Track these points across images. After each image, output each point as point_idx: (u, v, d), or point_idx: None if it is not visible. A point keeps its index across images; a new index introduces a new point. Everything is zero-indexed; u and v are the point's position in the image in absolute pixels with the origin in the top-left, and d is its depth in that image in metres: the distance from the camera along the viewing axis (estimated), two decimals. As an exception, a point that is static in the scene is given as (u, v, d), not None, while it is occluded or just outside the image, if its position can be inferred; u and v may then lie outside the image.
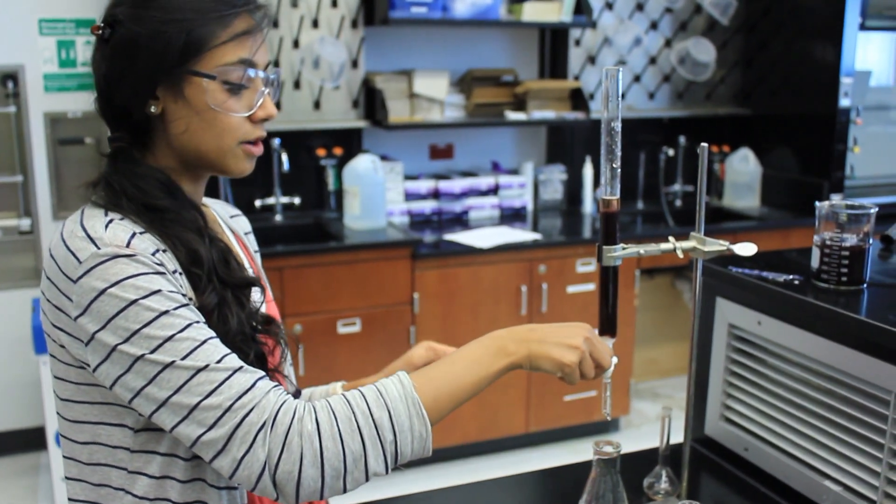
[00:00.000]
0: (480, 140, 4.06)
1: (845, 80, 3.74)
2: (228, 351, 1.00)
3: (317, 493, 0.96)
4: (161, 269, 1.00)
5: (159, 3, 1.04)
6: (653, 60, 4.17)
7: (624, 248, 1.15)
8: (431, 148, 3.97)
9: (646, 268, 3.92)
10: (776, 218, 3.92)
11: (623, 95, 1.11)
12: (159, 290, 0.97)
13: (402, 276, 3.29)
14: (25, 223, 3.47)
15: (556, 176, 4.05)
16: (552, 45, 4.06)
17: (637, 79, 4.17)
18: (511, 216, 3.92)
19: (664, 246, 1.18)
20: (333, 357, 3.25)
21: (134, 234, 1.01)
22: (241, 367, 0.98)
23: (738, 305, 1.48)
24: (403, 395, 1.00)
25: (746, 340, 1.48)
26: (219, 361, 0.97)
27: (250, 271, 1.21)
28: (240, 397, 0.95)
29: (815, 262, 1.40)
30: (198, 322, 0.99)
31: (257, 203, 3.64)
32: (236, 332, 1.06)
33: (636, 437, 3.79)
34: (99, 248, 0.98)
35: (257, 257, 1.35)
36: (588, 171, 4.00)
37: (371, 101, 3.63)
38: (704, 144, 1.20)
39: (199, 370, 0.95)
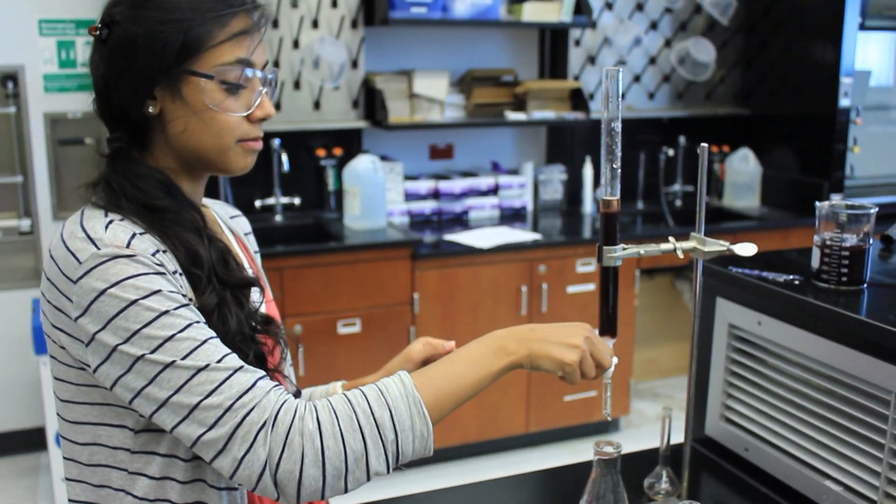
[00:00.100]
0: (480, 140, 4.06)
1: (845, 80, 3.74)
2: (229, 351, 0.99)
3: (318, 492, 0.96)
4: (161, 269, 1.00)
5: (157, 4, 1.04)
6: (653, 60, 4.17)
7: (624, 249, 1.15)
8: (431, 148, 3.97)
9: (646, 268, 3.92)
10: (776, 218, 3.92)
11: (623, 95, 1.11)
12: (159, 291, 0.97)
13: (402, 277, 3.29)
14: (25, 223, 3.47)
15: (556, 176, 4.05)
16: (552, 45, 4.06)
17: (637, 79, 4.17)
18: (511, 216, 3.92)
19: (664, 246, 1.18)
20: (333, 357, 3.25)
21: (134, 235, 1.01)
22: (241, 367, 0.98)
23: (739, 305, 1.48)
24: (405, 393, 1.00)
25: (746, 340, 1.48)
26: (219, 361, 0.97)
27: (250, 272, 1.21)
28: (240, 397, 0.95)
29: (815, 262, 1.40)
30: (198, 322, 0.99)
31: (257, 203, 3.64)
32: (236, 333, 1.06)
33: (636, 437, 3.79)
34: (99, 249, 0.98)
35: (257, 258, 1.35)
36: (588, 171, 4.00)
37: (371, 102, 3.63)
38: (704, 144, 1.20)
39: (200, 370, 0.95)
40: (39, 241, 3.50)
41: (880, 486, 1.23)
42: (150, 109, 1.07)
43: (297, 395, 1.29)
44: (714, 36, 4.17)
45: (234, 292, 1.10)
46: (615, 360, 1.12)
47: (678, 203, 4.24)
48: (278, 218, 3.64)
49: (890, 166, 4.16)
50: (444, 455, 3.52)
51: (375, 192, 3.48)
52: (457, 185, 3.82)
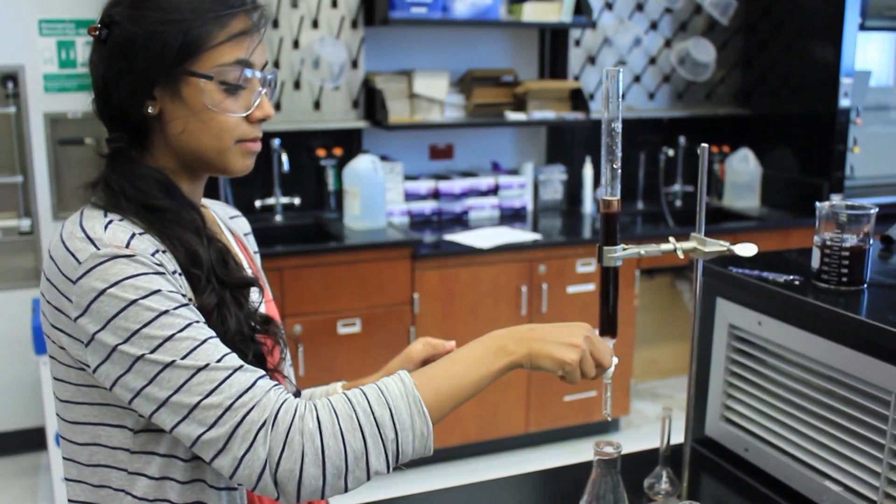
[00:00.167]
0: (480, 140, 4.06)
1: (845, 81, 3.74)
2: (228, 350, 0.99)
3: (318, 491, 0.96)
4: (161, 269, 1.00)
5: (156, 4, 1.04)
6: (653, 61, 4.17)
7: (624, 249, 1.15)
8: (431, 148, 3.97)
9: (646, 268, 3.92)
10: (776, 218, 3.92)
11: (623, 96, 1.11)
12: (159, 290, 0.97)
13: (402, 277, 3.29)
14: (25, 223, 3.47)
15: (556, 176, 4.05)
16: (552, 45, 4.06)
17: (637, 79, 4.17)
18: (511, 216, 3.92)
19: (665, 246, 1.18)
20: (333, 357, 3.25)
21: (133, 235, 1.01)
22: (241, 366, 0.98)
23: (739, 306, 1.48)
24: (405, 393, 1.00)
25: (747, 341, 1.48)
26: (219, 360, 0.97)
27: (249, 272, 1.21)
28: (240, 396, 0.95)
29: (815, 262, 1.40)
30: (198, 322, 0.99)
31: (257, 203, 3.64)
32: (235, 333, 1.06)
33: (636, 437, 3.79)
34: (98, 249, 0.98)
35: (257, 258, 1.35)
36: (588, 171, 4.00)
37: (371, 102, 3.63)
38: (705, 145, 1.20)
39: (200, 369, 0.95)
40: (39, 241, 3.50)
41: (880, 486, 1.23)
42: (150, 110, 1.07)
43: (296, 395, 1.28)
44: (714, 36, 4.17)
45: (234, 292, 1.10)
46: (615, 360, 1.12)
47: (678, 203, 4.24)
48: (278, 218, 3.64)
49: (890, 166, 4.16)
50: (444, 455, 3.52)
51: (375, 192, 3.48)
52: (457, 185, 3.82)
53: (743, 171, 4.12)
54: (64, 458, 1.11)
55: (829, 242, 1.37)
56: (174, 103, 1.06)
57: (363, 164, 3.45)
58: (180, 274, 1.04)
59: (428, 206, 3.79)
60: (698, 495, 1.44)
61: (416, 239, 3.36)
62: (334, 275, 3.21)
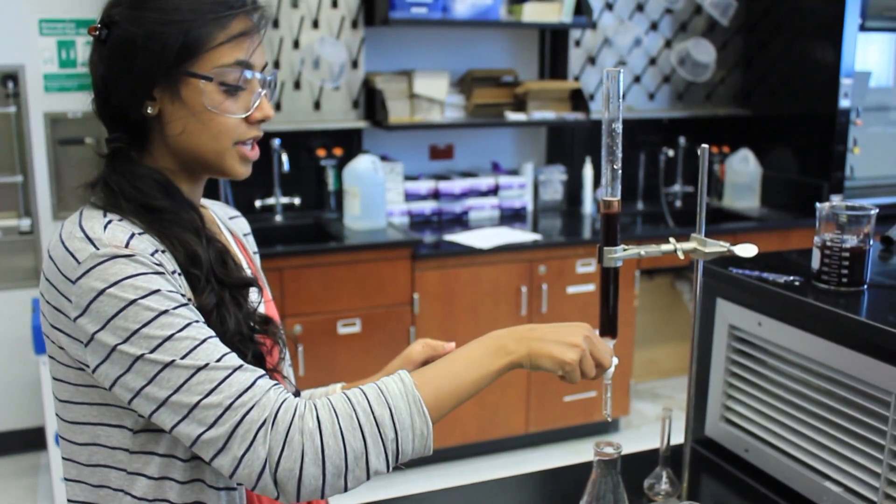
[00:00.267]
0: (480, 140, 4.06)
1: (845, 81, 3.74)
2: (228, 350, 0.99)
3: (318, 491, 0.96)
4: (160, 269, 1.00)
5: (156, 4, 1.04)
6: (653, 61, 4.17)
7: (625, 250, 1.15)
8: (431, 148, 3.97)
9: (646, 268, 3.92)
10: (776, 219, 3.92)
11: (623, 96, 1.10)
12: (158, 290, 0.97)
13: (402, 277, 3.29)
14: (25, 223, 3.47)
15: (556, 176, 4.05)
16: (552, 45, 4.06)
17: (637, 79, 4.17)
18: (511, 217, 3.92)
19: (665, 247, 1.18)
20: (333, 357, 3.25)
21: (133, 235, 1.01)
22: (241, 366, 0.98)
23: (739, 306, 1.48)
24: (404, 392, 1.00)
25: (747, 341, 1.48)
26: (219, 360, 0.97)
27: (248, 272, 1.21)
28: (240, 395, 0.95)
29: (815, 263, 1.40)
30: (197, 321, 0.99)
31: (257, 203, 3.64)
32: (234, 333, 1.06)
33: (636, 437, 3.79)
34: (98, 249, 0.98)
35: (256, 258, 1.35)
36: (588, 171, 4.00)
37: (371, 102, 3.63)
38: (705, 145, 1.20)
39: (199, 369, 0.95)
40: (39, 241, 3.50)
41: (880, 486, 1.23)
42: (149, 110, 1.07)
43: (295, 395, 1.29)
44: (714, 37, 4.17)
45: (233, 292, 1.10)
46: (615, 360, 1.12)
47: (678, 204, 4.24)
48: (278, 218, 3.64)
49: (890, 167, 4.16)
50: (444, 455, 3.52)
51: (375, 193, 3.48)
52: (457, 185, 3.82)
53: (743, 171, 4.12)
54: (63, 458, 1.11)
55: (829, 243, 1.37)
56: (174, 104, 1.06)
57: (363, 165, 3.45)
58: (179, 274, 1.04)
59: (428, 207, 3.79)
60: (698, 496, 1.44)
61: (416, 239, 3.36)
62: (334, 275, 3.21)
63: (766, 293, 1.40)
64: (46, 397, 3.02)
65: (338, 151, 3.67)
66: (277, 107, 3.51)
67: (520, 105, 3.82)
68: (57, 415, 1.10)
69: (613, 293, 1.17)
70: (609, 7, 3.99)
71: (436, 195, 3.81)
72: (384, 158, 3.73)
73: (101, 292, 0.96)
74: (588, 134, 4.04)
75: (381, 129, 3.64)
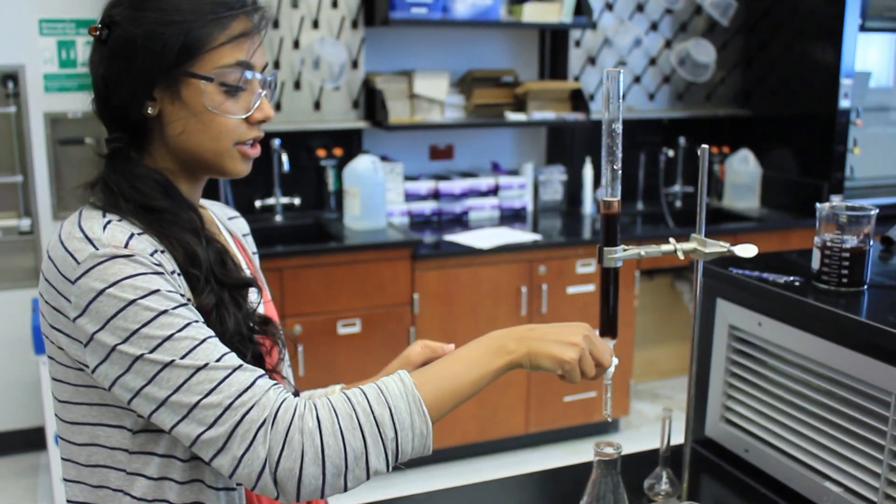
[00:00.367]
0: (480, 141, 4.06)
1: (845, 82, 3.74)
2: (228, 350, 0.99)
3: (318, 490, 0.96)
4: (159, 269, 1.00)
5: (157, 5, 1.04)
6: (653, 61, 4.17)
7: (625, 250, 1.15)
8: (431, 148, 3.97)
9: (645, 269, 3.92)
10: (776, 219, 3.92)
11: (623, 96, 1.10)
12: (158, 290, 0.97)
13: (402, 277, 3.29)
14: (25, 223, 3.47)
15: (556, 177, 4.05)
16: (552, 45, 4.06)
17: (637, 80, 4.17)
18: (511, 217, 3.92)
19: (665, 247, 1.18)
20: (333, 358, 3.25)
21: (132, 235, 1.01)
22: (240, 366, 0.98)
23: (739, 307, 1.48)
24: (404, 392, 1.00)
25: (747, 342, 1.48)
26: (218, 360, 0.97)
27: (247, 272, 1.21)
28: (240, 395, 0.95)
29: (815, 263, 1.40)
30: (196, 321, 0.99)
31: (257, 203, 3.64)
32: (234, 333, 1.06)
33: (636, 438, 3.79)
34: (97, 249, 0.98)
35: (255, 259, 1.35)
36: (588, 171, 4.00)
37: (371, 102, 3.63)
38: (705, 146, 1.20)
39: (199, 369, 0.95)
40: (39, 241, 3.50)
41: (880, 487, 1.23)
42: (150, 110, 1.07)
43: (294, 395, 1.29)
44: (714, 37, 4.17)
45: (232, 293, 1.10)
46: (615, 360, 1.12)
47: (678, 204, 4.24)
48: (278, 218, 3.64)
49: (890, 167, 4.16)
50: (444, 455, 3.52)
51: (375, 193, 3.48)
52: (457, 185, 3.82)
53: (743, 171, 4.12)
54: (62, 459, 1.11)
55: (829, 243, 1.37)
56: (174, 104, 1.06)
57: (363, 165, 3.46)
58: (179, 274, 1.04)
59: (428, 207, 3.79)
60: (698, 496, 1.44)
61: (416, 239, 3.36)
62: (334, 275, 3.21)
63: (767, 293, 1.40)
64: (46, 397, 3.02)
65: (338, 151, 3.67)
66: (277, 107, 3.52)
67: (520, 105, 3.82)
68: (56, 415, 1.10)
69: (613, 293, 1.17)
70: (609, 7, 3.99)
71: (436, 195, 3.81)
72: (384, 158, 3.73)
73: (101, 292, 0.96)
74: (588, 134, 4.04)
75: (381, 129, 3.64)
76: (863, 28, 3.73)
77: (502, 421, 3.53)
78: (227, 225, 1.32)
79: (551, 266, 3.48)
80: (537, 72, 4.09)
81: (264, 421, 0.94)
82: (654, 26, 4.12)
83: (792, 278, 1.42)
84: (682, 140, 4.18)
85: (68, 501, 1.12)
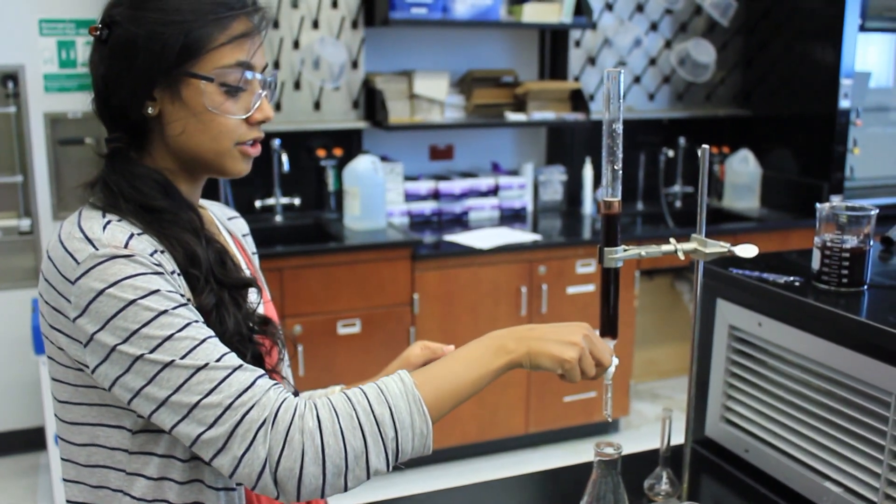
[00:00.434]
0: (480, 141, 4.06)
1: (845, 82, 3.74)
2: (228, 350, 0.99)
3: (318, 490, 0.96)
4: (159, 269, 1.00)
5: (157, 5, 1.04)
6: (653, 61, 4.17)
7: (625, 250, 1.15)
8: (431, 149, 3.97)
9: (645, 269, 3.92)
10: (776, 219, 3.92)
11: (623, 96, 1.10)
12: (158, 290, 0.97)
13: (402, 277, 3.29)
14: (25, 223, 3.47)
15: (556, 177, 4.04)
16: (552, 46, 4.06)
17: (637, 80, 4.17)
18: (511, 217, 3.92)
19: (665, 248, 1.18)
20: (333, 358, 3.25)
21: (132, 235, 1.01)
22: (240, 366, 0.98)
23: (739, 307, 1.48)
24: (404, 391, 1.00)
25: (747, 342, 1.48)
26: (218, 360, 0.97)
27: (247, 272, 1.21)
28: (240, 395, 0.95)
29: (815, 263, 1.40)
30: (196, 321, 0.99)
31: (257, 204, 3.64)
32: (233, 333, 1.06)
33: (636, 438, 3.79)
34: (97, 249, 0.98)
35: (255, 259, 1.35)
36: (588, 172, 4.00)
37: (371, 102, 3.63)
38: (705, 146, 1.20)
39: (199, 369, 0.95)
40: (39, 241, 3.50)
41: (880, 487, 1.23)
42: (150, 110, 1.07)
43: (294, 396, 1.29)
44: (714, 37, 4.17)
45: (232, 293, 1.10)
46: (616, 360, 1.12)
47: (678, 204, 4.24)
48: (278, 218, 3.64)
49: (890, 168, 4.16)
50: (444, 455, 3.52)
51: (375, 193, 3.48)
52: (457, 185, 3.82)
53: (743, 172, 4.12)
54: (62, 459, 1.11)
55: (829, 244, 1.37)
56: (174, 104, 1.06)
57: (363, 165, 3.46)
58: (179, 274, 1.04)
59: (428, 207, 3.79)
60: (698, 496, 1.44)
61: (415, 239, 3.36)
62: (334, 275, 3.21)
63: (767, 293, 1.40)
64: (46, 397, 3.02)
65: (338, 152, 3.67)
66: (277, 107, 3.52)
67: (520, 105, 3.82)
68: (56, 415, 1.10)
69: (614, 293, 1.17)
70: (609, 7, 3.99)
71: (436, 195, 3.81)
72: (384, 159, 3.73)
73: (101, 292, 0.96)
74: (588, 134, 4.04)
75: (381, 129, 3.64)
76: (863, 28, 3.73)
77: (502, 421, 3.53)
78: (227, 225, 1.32)
79: (551, 266, 3.48)
80: (537, 72, 4.09)
81: (264, 421, 0.94)
82: (653, 26, 4.12)
83: (792, 278, 1.42)
84: (682, 140, 4.18)
85: (68, 501, 1.12)
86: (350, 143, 3.72)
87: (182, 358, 0.95)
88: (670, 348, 4.39)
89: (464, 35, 3.88)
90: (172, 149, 1.10)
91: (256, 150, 1.13)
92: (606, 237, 1.15)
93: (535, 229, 3.72)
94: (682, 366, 4.34)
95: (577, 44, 3.98)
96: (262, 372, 1.00)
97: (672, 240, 1.20)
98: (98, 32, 1.07)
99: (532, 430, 3.60)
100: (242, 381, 0.96)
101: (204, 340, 0.97)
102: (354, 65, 3.60)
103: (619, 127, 1.10)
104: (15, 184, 3.46)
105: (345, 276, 3.22)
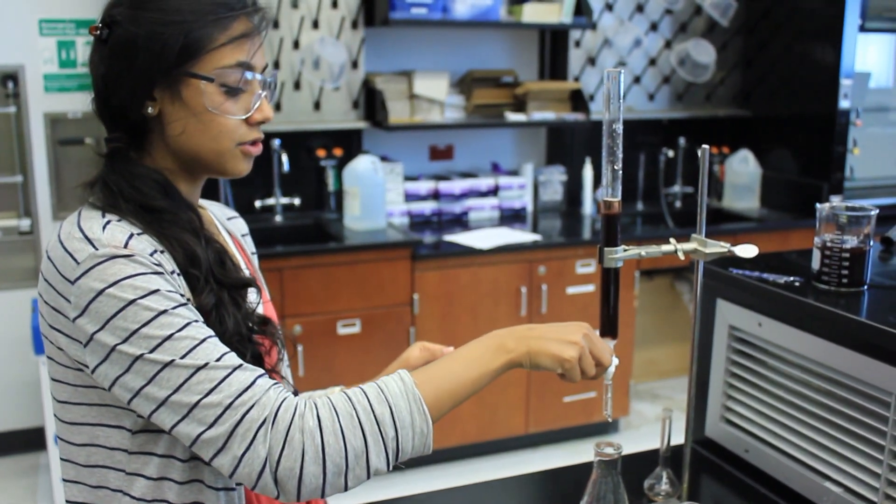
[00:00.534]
0: (480, 141, 4.06)
1: (845, 82, 3.74)
2: (228, 349, 0.99)
3: (318, 490, 0.96)
4: (159, 269, 1.00)
5: (157, 5, 1.04)
6: (653, 62, 4.17)
7: (625, 250, 1.15)
8: (431, 149, 3.97)
9: (645, 269, 3.92)
10: (775, 219, 3.92)
11: (623, 96, 1.10)
12: (157, 290, 0.97)
13: (402, 277, 3.29)
14: (25, 223, 3.47)
15: (556, 177, 4.05)
16: (552, 46, 4.06)
17: (637, 80, 4.17)
18: (511, 217, 3.92)
19: (665, 248, 1.18)
20: (333, 358, 3.25)
21: (132, 235, 1.01)
22: (240, 365, 0.98)
23: (739, 307, 1.48)
24: (404, 391, 1.00)
25: (747, 342, 1.48)
26: (218, 359, 0.97)
27: (246, 272, 1.21)
28: (240, 395, 0.95)
29: (815, 263, 1.40)
30: (196, 321, 0.99)
31: (257, 204, 3.64)
32: (233, 333, 1.06)
33: (636, 438, 3.79)
34: (97, 249, 0.98)
35: (254, 259, 1.35)
36: (588, 172, 4.00)
37: (371, 102, 3.63)
38: (705, 146, 1.20)
39: (199, 368, 0.95)
40: (39, 241, 3.50)
41: (880, 487, 1.23)
42: (150, 110, 1.07)
43: (294, 395, 1.29)
44: (714, 37, 4.17)
45: (232, 293, 1.10)
46: (616, 360, 1.12)
47: (678, 204, 4.24)
48: (278, 218, 3.64)
49: (890, 168, 4.16)
50: (443, 455, 3.52)
51: (375, 193, 3.48)
52: (457, 185, 3.82)
53: (743, 172, 4.12)
54: (62, 459, 1.11)
55: (829, 244, 1.37)
56: (174, 104, 1.06)
57: (363, 165, 3.46)
58: (178, 274, 1.04)
59: (428, 207, 3.79)
60: (698, 496, 1.44)
61: (415, 239, 3.36)
62: (334, 275, 3.21)
63: (767, 294, 1.40)
64: (46, 397, 3.02)
65: (338, 152, 3.67)
66: (277, 107, 3.52)
67: (520, 105, 3.82)
68: (55, 415, 1.10)
69: (614, 294, 1.17)
70: (609, 7, 3.99)
71: (436, 196, 3.81)
72: (384, 159, 3.73)
73: (101, 292, 0.96)
74: (588, 134, 4.04)
75: (381, 129, 3.64)
76: (863, 28, 3.73)
77: (502, 421, 3.53)
78: (226, 225, 1.32)
79: (551, 266, 3.48)
80: (537, 72, 4.09)
81: (264, 420, 0.94)
82: (653, 27, 4.12)
83: (792, 278, 1.42)
84: (681, 140, 4.18)
85: (67, 501, 1.12)
86: (350, 143, 3.72)
87: (182, 358, 0.95)
88: (670, 348, 4.39)
89: (464, 35, 3.89)
90: (172, 149, 1.10)
91: (257, 150, 1.13)
92: (606, 237, 1.15)
93: (534, 229, 3.72)
94: (682, 366, 4.35)
95: (577, 44, 3.99)
96: (262, 371, 1.00)
97: (672, 240, 1.20)
98: (98, 32, 1.07)
99: (532, 430, 3.60)
100: (242, 380, 0.96)
101: (204, 340, 0.97)
102: (354, 65, 3.60)
103: (619, 127, 1.10)
104: (15, 184, 3.46)
105: (345, 276, 3.22)
